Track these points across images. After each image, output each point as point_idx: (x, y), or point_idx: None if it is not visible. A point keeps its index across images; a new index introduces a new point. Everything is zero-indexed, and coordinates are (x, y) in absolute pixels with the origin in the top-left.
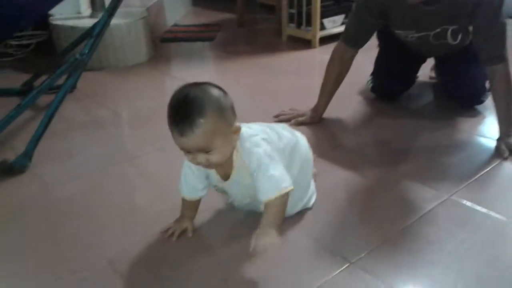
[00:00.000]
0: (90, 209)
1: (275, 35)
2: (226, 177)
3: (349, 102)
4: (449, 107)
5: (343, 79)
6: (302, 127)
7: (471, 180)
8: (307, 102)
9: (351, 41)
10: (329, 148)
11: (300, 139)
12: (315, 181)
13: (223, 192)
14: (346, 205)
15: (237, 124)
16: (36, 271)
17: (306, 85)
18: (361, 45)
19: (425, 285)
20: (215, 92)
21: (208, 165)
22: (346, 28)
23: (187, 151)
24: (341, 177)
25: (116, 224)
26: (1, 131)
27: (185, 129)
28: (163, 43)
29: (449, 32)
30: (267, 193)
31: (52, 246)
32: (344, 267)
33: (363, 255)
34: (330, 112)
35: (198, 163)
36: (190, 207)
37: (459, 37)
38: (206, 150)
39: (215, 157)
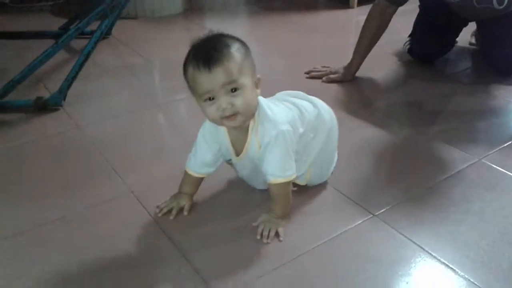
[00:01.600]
0: (119, 147)
1: None
2: (239, 151)
3: (383, 63)
4: (486, 73)
5: (380, 36)
6: (334, 85)
7: (503, 146)
8: (340, 61)
9: None
10: (359, 106)
11: (321, 108)
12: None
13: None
14: (373, 161)
15: (258, 76)
16: (67, 200)
17: (340, 45)
18: (402, 2)
19: (447, 241)
20: (236, 40)
21: (231, 114)
22: None
23: (212, 94)
24: (370, 135)
25: (143, 162)
26: (38, 67)
27: (213, 59)
28: None
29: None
30: (274, 173)
31: (81, 178)
32: (367, 218)
33: (386, 208)
34: (364, 71)
35: (223, 110)
36: (192, 182)
37: (505, 1)
38: (233, 86)
39: (239, 100)
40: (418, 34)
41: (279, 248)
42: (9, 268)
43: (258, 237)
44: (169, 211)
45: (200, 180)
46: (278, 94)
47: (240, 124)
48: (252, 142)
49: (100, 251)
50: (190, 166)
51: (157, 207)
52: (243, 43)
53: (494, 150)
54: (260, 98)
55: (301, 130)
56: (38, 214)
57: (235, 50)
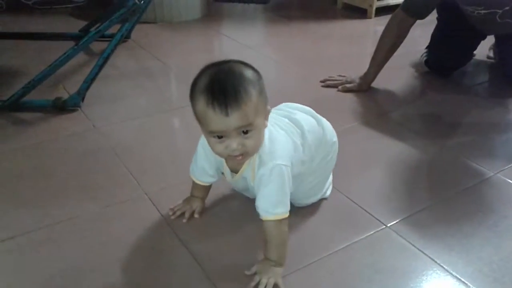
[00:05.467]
0: (135, 149)
1: (331, 2)
2: (235, 171)
3: (400, 74)
4: (503, 87)
5: (397, 48)
6: (349, 94)
7: None
8: (357, 71)
9: (412, 10)
10: (374, 116)
11: (326, 128)
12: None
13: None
14: (387, 171)
15: (268, 107)
16: (81, 200)
17: (357, 54)
18: (422, 16)
19: (460, 255)
20: (250, 68)
21: (242, 153)
22: None
23: (225, 135)
24: (385, 145)
25: (158, 165)
26: (58, 68)
27: (231, 104)
28: (217, 2)
29: None
30: (265, 209)
31: (97, 179)
32: (379, 229)
33: (399, 220)
34: (380, 82)
35: (232, 150)
36: (200, 188)
37: None
38: (247, 129)
39: (251, 142)
40: (435, 46)
41: (290, 256)
42: (22, 266)
43: None
44: (182, 214)
45: (208, 186)
46: (283, 106)
47: (245, 161)
48: (247, 171)
49: (113, 251)
50: (193, 173)
51: (171, 209)
52: (257, 73)
53: (510, 165)
54: (269, 125)
55: (304, 157)
56: (53, 213)
57: (253, 87)
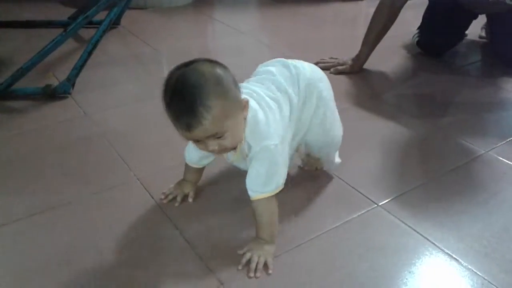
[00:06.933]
0: (126, 135)
1: None
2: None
3: (392, 55)
4: (495, 66)
5: (388, 29)
6: (341, 76)
7: (510, 138)
8: (349, 53)
9: None
10: (367, 97)
11: (299, 67)
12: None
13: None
14: (379, 152)
15: (244, 98)
16: (73, 186)
17: (349, 37)
18: None
19: (451, 232)
20: (213, 70)
21: (221, 150)
22: None
23: (196, 141)
24: (377, 126)
25: (149, 150)
26: (47, 55)
27: (191, 123)
28: None
29: None
30: (254, 189)
31: (88, 165)
32: (371, 207)
33: (391, 198)
34: (372, 63)
35: (211, 151)
36: (194, 171)
37: None
38: (218, 135)
39: (227, 141)
40: (426, 26)
41: (281, 236)
42: (14, 252)
43: (240, 267)
44: (174, 198)
45: (202, 169)
46: (260, 70)
47: (232, 149)
48: (240, 155)
49: (105, 236)
50: (187, 157)
51: (163, 193)
52: (223, 70)
53: (502, 143)
54: (251, 106)
55: (294, 113)
56: (44, 199)
57: (216, 96)
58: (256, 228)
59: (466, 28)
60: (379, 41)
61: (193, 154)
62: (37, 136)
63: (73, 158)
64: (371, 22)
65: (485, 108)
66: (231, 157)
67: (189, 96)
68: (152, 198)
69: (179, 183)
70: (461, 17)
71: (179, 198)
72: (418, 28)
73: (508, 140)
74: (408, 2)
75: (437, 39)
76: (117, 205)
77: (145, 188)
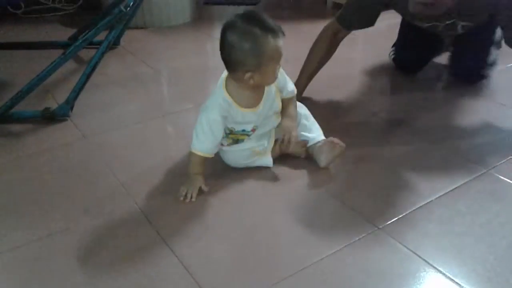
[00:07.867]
0: (125, 158)
1: (321, 2)
2: (255, 103)
3: (373, 73)
4: (492, 83)
5: (328, 59)
6: (333, 94)
7: (511, 157)
8: (345, 70)
9: (347, 22)
10: (364, 117)
11: None
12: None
13: (240, 133)
14: (378, 173)
15: None
16: (71, 212)
17: (346, 54)
18: (356, 29)
19: (453, 255)
20: None
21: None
22: (344, 8)
23: (279, 58)
24: (374, 146)
25: (149, 173)
26: (46, 78)
27: (280, 29)
28: (206, 5)
29: (459, 26)
30: (292, 87)
31: (87, 190)
32: (371, 231)
33: (391, 221)
34: (358, 80)
35: (275, 78)
36: (202, 162)
37: (470, 27)
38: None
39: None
40: (401, 43)
41: (281, 262)
42: (15, 281)
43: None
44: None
45: (210, 158)
46: None
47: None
48: (270, 89)
49: (103, 258)
50: (203, 149)
51: (180, 196)
52: None
53: (503, 161)
54: None
55: None
56: (42, 225)
57: None
58: (288, 112)
59: (443, 42)
60: (318, 71)
61: (208, 144)
62: (36, 160)
63: (71, 183)
64: (310, 53)
65: (485, 126)
66: (250, 112)
67: (266, 17)
68: (149, 221)
69: (189, 181)
70: (431, 35)
71: (194, 194)
72: (393, 46)
73: (508, 158)
74: (387, 21)
75: (412, 56)
76: (115, 232)
77: (145, 216)
